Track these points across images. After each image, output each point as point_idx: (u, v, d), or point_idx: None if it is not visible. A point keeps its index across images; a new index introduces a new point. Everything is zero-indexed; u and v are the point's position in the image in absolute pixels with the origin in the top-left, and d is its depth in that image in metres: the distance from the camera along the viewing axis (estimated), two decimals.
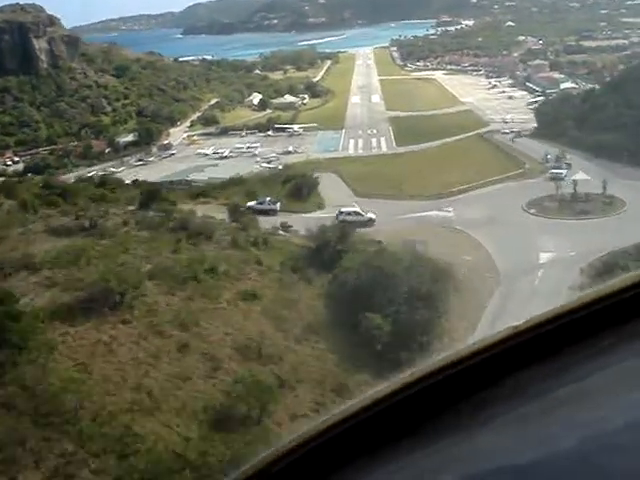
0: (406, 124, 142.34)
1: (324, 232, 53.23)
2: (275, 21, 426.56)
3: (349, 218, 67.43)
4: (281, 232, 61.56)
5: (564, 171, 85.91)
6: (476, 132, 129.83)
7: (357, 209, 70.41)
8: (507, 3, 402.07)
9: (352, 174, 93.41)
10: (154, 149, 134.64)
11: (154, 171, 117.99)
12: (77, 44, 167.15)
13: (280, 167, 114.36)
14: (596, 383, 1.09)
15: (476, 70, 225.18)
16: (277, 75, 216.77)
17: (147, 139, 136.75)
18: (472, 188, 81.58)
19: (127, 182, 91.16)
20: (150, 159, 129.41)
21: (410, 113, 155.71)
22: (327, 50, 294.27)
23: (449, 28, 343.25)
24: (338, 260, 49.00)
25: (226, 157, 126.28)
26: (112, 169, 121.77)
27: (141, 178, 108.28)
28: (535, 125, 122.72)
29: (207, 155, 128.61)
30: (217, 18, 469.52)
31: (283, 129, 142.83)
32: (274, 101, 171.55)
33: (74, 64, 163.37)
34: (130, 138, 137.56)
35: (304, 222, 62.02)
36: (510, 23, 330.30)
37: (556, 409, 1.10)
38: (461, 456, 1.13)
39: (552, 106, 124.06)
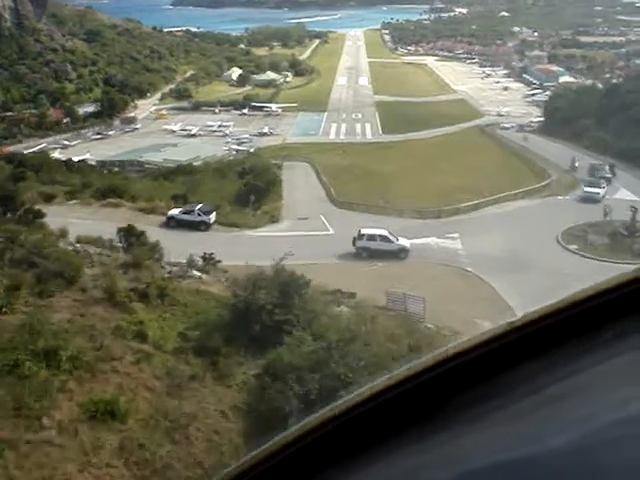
0: (394, 110, 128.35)
1: (259, 280, 31.57)
2: None
3: (373, 245, 47.80)
4: (195, 273, 36.56)
5: (601, 190, 63.63)
6: (473, 124, 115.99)
7: (385, 233, 48.50)
8: None
9: (329, 167, 77.67)
10: (116, 122, 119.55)
11: (111, 147, 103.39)
12: (45, 4, 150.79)
13: (251, 150, 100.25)
14: (589, 379, 1.07)
15: (469, 58, 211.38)
16: (262, 51, 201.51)
17: (110, 111, 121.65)
18: (484, 204, 59.86)
19: (57, 159, 76.04)
20: (110, 133, 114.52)
21: (399, 98, 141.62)
22: (317, 29, 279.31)
23: (442, 14, 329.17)
24: (277, 335, 28.65)
25: (194, 135, 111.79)
26: (65, 142, 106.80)
27: (91, 155, 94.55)
28: (542, 120, 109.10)
29: (174, 132, 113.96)
30: None
31: (260, 108, 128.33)
32: (255, 77, 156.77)
33: (41, 25, 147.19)
34: (92, 108, 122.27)
35: (244, 249, 42.51)
36: (504, 13, 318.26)
37: (549, 405, 1.07)
38: (455, 453, 1.10)
39: (565, 100, 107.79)
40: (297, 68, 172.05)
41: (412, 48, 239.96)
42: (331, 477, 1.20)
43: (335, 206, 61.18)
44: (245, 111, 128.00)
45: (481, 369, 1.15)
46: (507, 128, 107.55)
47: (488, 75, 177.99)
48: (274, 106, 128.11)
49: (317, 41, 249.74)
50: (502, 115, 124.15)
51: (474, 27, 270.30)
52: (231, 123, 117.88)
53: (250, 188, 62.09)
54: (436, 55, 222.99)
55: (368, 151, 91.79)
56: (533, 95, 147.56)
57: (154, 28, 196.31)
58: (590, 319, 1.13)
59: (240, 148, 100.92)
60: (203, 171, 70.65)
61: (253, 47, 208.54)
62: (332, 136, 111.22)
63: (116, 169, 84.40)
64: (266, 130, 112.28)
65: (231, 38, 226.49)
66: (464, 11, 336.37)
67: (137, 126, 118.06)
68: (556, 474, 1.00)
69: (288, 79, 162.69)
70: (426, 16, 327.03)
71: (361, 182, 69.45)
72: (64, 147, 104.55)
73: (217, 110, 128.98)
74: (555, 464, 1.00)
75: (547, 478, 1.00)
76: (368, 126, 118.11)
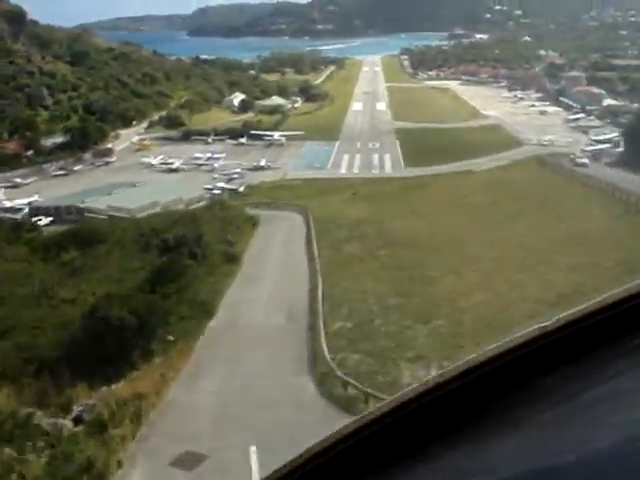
0: (418, 138, 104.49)
1: None
2: (283, 26, 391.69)
3: None
4: None
5: None
6: (515, 153, 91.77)
7: None
8: (522, 20, 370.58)
9: (330, 224, 52.29)
10: (88, 155, 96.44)
11: (72, 185, 79.98)
12: (23, 22, 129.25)
13: (241, 189, 76.69)
14: (628, 383, 1.01)
15: (495, 82, 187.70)
16: (273, 77, 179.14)
17: (84, 142, 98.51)
18: None
19: None
20: (77, 168, 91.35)
21: (422, 125, 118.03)
22: (332, 55, 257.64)
23: (462, 40, 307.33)
24: None
25: (176, 170, 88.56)
26: (18, 179, 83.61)
27: (39, 198, 71.54)
28: (620, 150, 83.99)
29: (152, 166, 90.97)
30: (225, 21, 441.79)
31: (261, 136, 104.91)
32: (260, 103, 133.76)
33: (18, 46, 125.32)
34: (62, 139, 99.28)
35: None
36: (527, 38, 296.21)
37: (588, 410, 1.02)
38: (494, 459, 1.05)
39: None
40: (308, 93, 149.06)
41: (433, 73, 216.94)
42: None
43: (331, 352, 28.33)
44: (243, 140, 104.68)
45: (513, 375, 1.08)
46: (584, 164, 76.35)
47: (520, 99, 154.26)
48: (277, 134, 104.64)
49: (332, 67, 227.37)
50: (545, 144, 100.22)
51: (497, 51, 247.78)
52: (223, 155, 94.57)
53: (165, 280, 34.96)
54: (459, 79, 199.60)
55: (389, 193, 67.05)
56: (576, 120, 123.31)
57: (155, 52, 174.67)
58: (623, 322, 1.06)
59: (227, 186, 77.40)
60: (115, 240, 44.92)
61: (264, 73, 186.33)
62: (343, 170, 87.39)
63: (47, 219, 61.34)
64: (263, 163, 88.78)
65: (242, 65, 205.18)
66: (485, 37, 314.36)
67: (111, 159, 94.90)
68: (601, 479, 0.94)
69: (297, 104, 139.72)
70: (445, 42, 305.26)
71: (380, 266, 40.57)
72: (14, 186, 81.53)
73: (210, 140, 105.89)
74: (597, 469, 0.94)
75: None
76: (387, 157, 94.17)
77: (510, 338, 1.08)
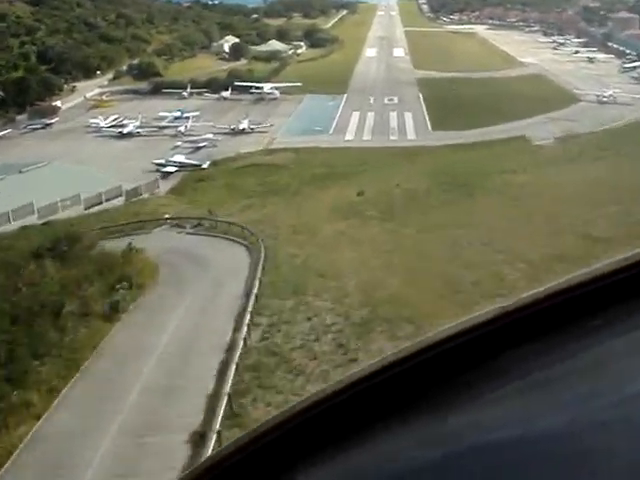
0: (445, 91, 79.78)
1: None
2: None
3: None
4: None
5: None
6: (577, 110, 67.52)
7: None
8: None
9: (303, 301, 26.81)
10: (23, 115, 72.67)
11: None
12: None
13: (205, 165, 53.17)
14: (582, 363, 1.01)
15: (527, 26, 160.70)
16: (278, 22, 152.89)
17: (21, 98, 74.69)
18: None
19: None
20: (4, 132, 67.66)
21: (450, 74, 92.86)
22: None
23: None
24: None
25: (128, 135, 64.73)
26: None
27: None
28: None
29: (101, 129, 67.23)
30: None
31: (249, 89, 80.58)
32: (255, 49, 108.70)
33: None
34: None
35: None
36: None
37: (538, 388, 1.01)
38: (440, 434, 1.03)
39: None
40: (314, 37, 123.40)
41: (455, 17, 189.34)
42: (313, 463, 1.12)
43: None
44: (226, 94, 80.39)
45: (471, 354, 1.07)
46: None
47: (560, 44, 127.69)
48: (268, 86, 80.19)
49: (344, 11, 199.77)
50: (605, 100, 75.77)
51: None
52: (196, 113, 70.47)
53: None
54: (485, 24, 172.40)
55: (422, 189, 41.81)
56: (635, 68, 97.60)
57: None
58: (584, 304, 1.06)
59: (186, 161, 53.77)
60: None
61: (270, 19, 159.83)
62: (350, 135, 63.02)
63: None
64: (245, 125, 64.85)
65: (246, 9, 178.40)
66: None
67: (51, 121, 70.86)
68: (543, 455, 0.93)
69: (300, 50, 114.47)
70: None
71: None
72: None
73: (186, 93, 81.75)
74: (543, 446, 0.93)
75: (534, 459, 0.94)
76: (409, 116, 69.71)
77: (470, 317, 1.07)
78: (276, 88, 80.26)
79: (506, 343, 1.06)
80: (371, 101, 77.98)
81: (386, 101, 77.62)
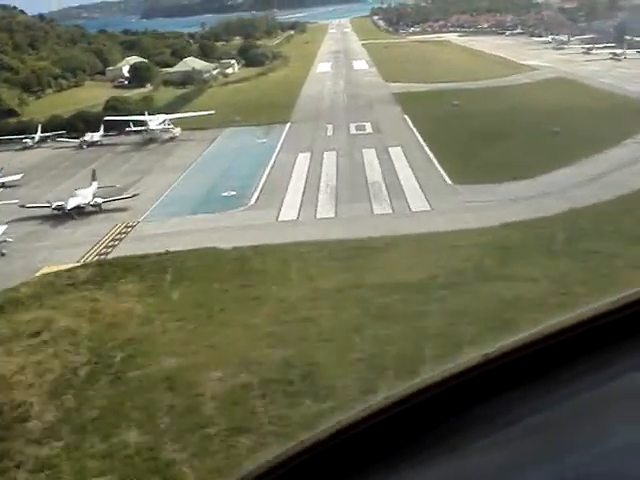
0: (444, 108, 47.64)
1: None
2: (240, 0, 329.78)
3: None
4: None
5: None
6: None
7: None
8: None
9: None
10: None
11: None
12: None
13: None
14: (567, 411, 0.95)
15: (506, 29, 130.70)
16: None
17: None
18: None
19: None
20: None
21: (438, 85, 61.04)
22: (292, 19, 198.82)
23: None
24: None
25: None
26: None
27: None
28: None
29: None
30: (180, 2, 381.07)
31: (133, 125, 47.20)
32: (166, 70, 75.47)
33: None
34: None
35: None
36: None
37: (528, 436, 0.95)
38: None
39: None
40: (249, 54, 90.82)
41: (417, 29, 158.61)
42: None
43: None
44: (95, 137, 47.01)
45: (456, 400, 1.01)
46: None
47: (561, 43, 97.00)
48: (158, 120, 46.64)
49: (291, 32, 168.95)
50: None
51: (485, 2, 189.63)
52: (16, 178, 37.11)
53: None
54: (454, 32, 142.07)
55: None
56: None
57: (41, 17, 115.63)
58: (565, 351, 1.00)
59: None
60: None
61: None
62: (289, 211, 29.16)
63: None
64: (86, 199, 31.24)
65: (178, 35, 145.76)
66: None
67: None
68: None
69: (230, 70, 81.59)
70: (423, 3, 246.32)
71: None
72: None
73: (31, 141, 48.18)
74: None
75: None
76: (399, 156, 36.74)
77: (452, 365, 1.02)
78: (173, 122, 47.11)
79: (490, 390, 1.00)
80: (329, 132, 45.31)
81: (354, 130, 44.97)
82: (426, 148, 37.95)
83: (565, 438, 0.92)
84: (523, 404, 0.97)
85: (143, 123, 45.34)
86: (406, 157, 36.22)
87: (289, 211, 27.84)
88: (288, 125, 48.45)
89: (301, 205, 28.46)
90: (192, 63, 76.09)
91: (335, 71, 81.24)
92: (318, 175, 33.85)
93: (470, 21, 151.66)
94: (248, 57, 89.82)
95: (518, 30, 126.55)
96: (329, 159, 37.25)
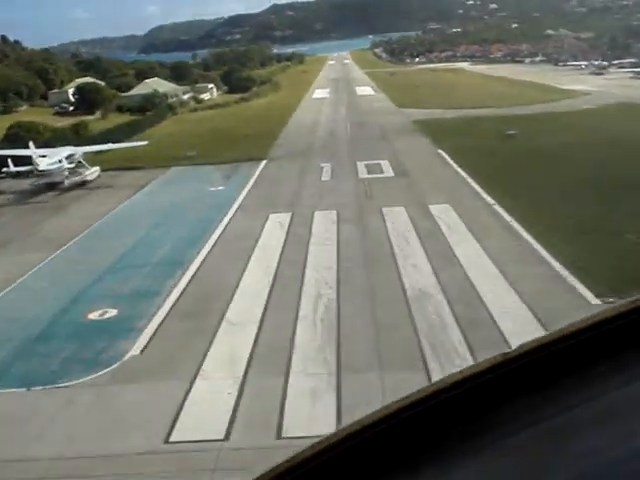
0: (497, 139, 30.40)
1: None
2: (238, 36, 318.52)
3: None
4: None
5: None
6: None
7: None
8: (499, 14, 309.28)
9: None
10: None
11: None
12: None
13: None
14: (588, 413, 0.93)
15: (525, 57, 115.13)
16: None
17: None
18: None
19: None
20: None
21: (472, 111, 43.96)
22: (289, 51, 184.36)
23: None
24: None
25: None
26: None
27: None
28: None
29: None
30: (178, 37, 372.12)
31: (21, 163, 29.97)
32: (130, 94, 58.72)
33: None
34: None
35: None
36: (515, 25, 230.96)
37: (548, 439, 0.93)
38: None
39: None
40: (232, 78, 74.24)
41: (423, 59, 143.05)
42: None
43: None
44: None
45: (476, 401, 0.99)
46: None
47: (602, 68, 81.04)
48: (51, 160, 28.96)
49: (288, 63, 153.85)
50: None
51: (494, 33, 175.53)
52: None
53: None
54: (465, 61, 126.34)
55: None
56: None
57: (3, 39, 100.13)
58: (587, 351, 0.98)
59: None
60: None
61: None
62: (217, 390, 11.39)
63: None
64: None
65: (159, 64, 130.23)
66: (459, 30, 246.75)
67: None
68: None
69: (206, 95, 64.91)
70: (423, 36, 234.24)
71: None
72: None
73: None
74: None
75: None
76: (452, 224, 19.54)
77: (473, 364, 0.99)
78: (96, 153, 30.13)
79: (510, 391, 0.98)
80: (324, 175, 28.06)
81: (364, 172, 27.81)
82: (496, 207, 20.60)
83: (590, 439, 0.90)
84: (545, 405, 0.95)
85: (31, 161, 27.91)
86: (468, 228, 18.80)
87: (212, 392, 10.29)
88: (263, 164, 31.29)
89: (245, 374, 10.86)
90: (155, 85, 59.28)
91: (335, 97, 64.59)
92: (300, 266, 16.41)
93: (480, 51, 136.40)
94: (231, 82, 73.26)
95: (539, 58, 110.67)
96: (322, 227, 19.88)
